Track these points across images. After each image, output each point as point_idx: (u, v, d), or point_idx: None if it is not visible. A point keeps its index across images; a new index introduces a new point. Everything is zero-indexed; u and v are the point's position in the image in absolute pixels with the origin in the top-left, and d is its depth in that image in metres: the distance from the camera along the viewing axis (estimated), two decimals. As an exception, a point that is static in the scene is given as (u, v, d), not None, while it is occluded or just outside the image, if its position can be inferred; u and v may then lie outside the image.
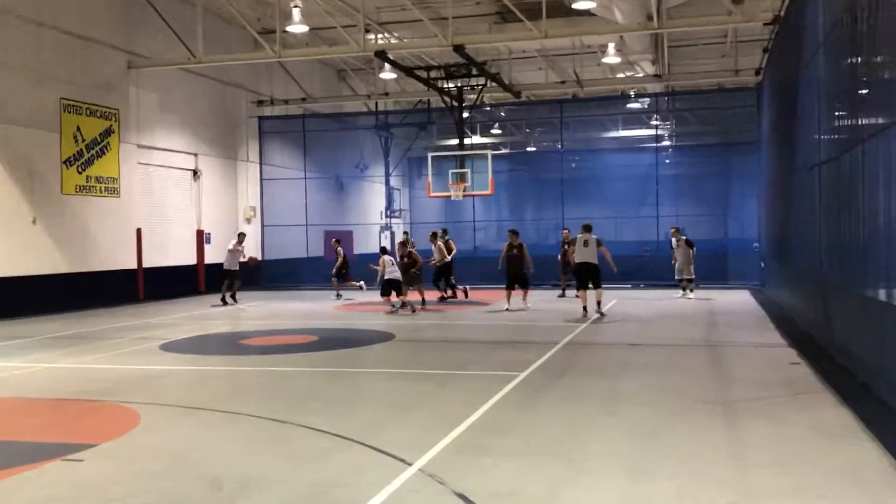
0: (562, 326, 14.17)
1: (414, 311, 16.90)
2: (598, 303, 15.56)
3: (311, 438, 6.70)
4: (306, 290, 21.64)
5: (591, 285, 15.37)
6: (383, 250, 18.16)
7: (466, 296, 19.39)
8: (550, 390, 8.48)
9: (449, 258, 19.47)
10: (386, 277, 17.49)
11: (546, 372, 9.59)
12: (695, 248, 19.14)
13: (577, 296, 16.69)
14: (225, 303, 19.12)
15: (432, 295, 19.25)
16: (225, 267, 19.33)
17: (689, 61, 27.84)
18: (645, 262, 23.26)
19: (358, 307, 18.61)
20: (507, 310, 16.86)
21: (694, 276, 19.04)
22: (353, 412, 7.61)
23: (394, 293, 17.25)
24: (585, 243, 15.38)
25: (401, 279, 17.18)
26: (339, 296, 20.51)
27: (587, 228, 15.61)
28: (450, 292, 19.31)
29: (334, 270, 20.53)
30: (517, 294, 17.39)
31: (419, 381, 9.19)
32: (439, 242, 19.40)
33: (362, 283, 20.65)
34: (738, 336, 12.64)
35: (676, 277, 19.06)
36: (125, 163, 20.39)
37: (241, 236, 19.72)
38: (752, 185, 24.66)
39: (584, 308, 15.44)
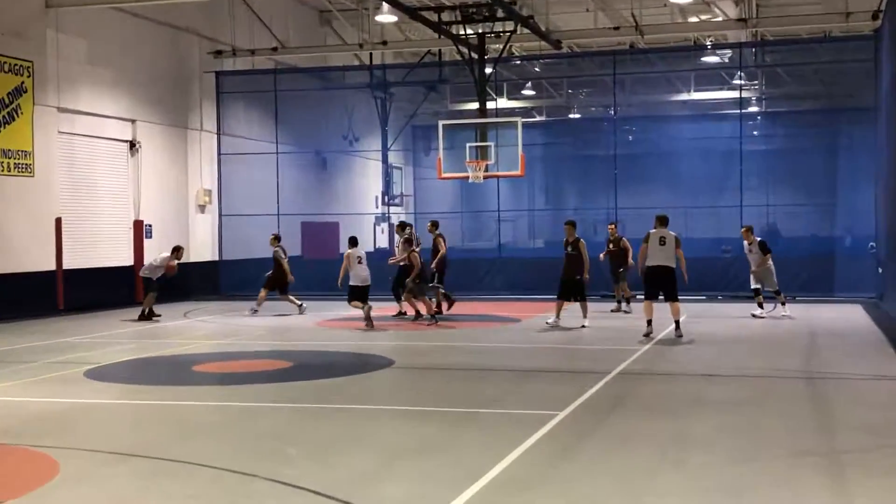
0: (614, 351, 14.16)
1: (433, 319, 17.55)
2: (677, 322, 15.43)
3: (286, 497, 6.72)
4: (277, 300, 21.68)
5: (662, 296, 15.38)
6: (352, 241, 18.13)
7: (450, 307, 19.39)
8: (597, 435, 8.49)
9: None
10: (350, 283, 17.51)
11: (592, 410, 9.60)
12: (770, 255, 18.93)
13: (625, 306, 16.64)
14: (147, 318, 19.14)
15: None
16: (145, 275, 19.36)
17: (784, 1, 27.74)
18: (724, 266, 23.22)
19: (345, 323, 18.64)
20: (552, 325, 16.93)
21: (778, 288, 18.97)
22: (339, 462, 7.63)
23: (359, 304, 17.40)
24: (662, 241, 15.23)
25: (366, 286, 17.44)
26: (254, 311, 20.22)
27: (663, 221, 15.49)
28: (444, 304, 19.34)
29: (266, 279, 20.38)
30: (566, 307, 17.42)
31: (426, 421, 9.20)
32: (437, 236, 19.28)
33: (303, 304, 20.43)
34: (846, 365, 12.61)
35: (752, 287, 19.02)
36: (41, 132, 20.52)
37: (178, 252, 19.47)
38: (867, 164, 24.55)
39: (649, 323, 15.44)
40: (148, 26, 23.74)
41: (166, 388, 11.55)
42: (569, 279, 17.05)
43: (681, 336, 15.20)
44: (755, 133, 34.47)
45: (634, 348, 14.14)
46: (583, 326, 16.87)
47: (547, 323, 17.22)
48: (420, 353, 14.51)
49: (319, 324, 18.62)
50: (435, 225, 19.59)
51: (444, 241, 19.26)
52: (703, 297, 22.28)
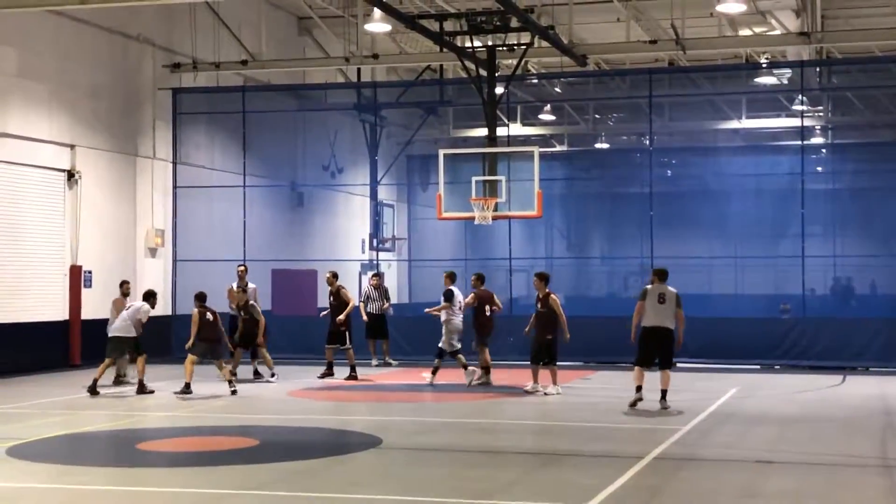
0: (649, 430, 14.09)
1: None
2: (664, 392, 15.88)
3: None
4: (243, 362, 21.60)
5: (657, 362, 15.98)
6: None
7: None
8: (630, 534, 8.43)
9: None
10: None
11: (623, 504, 9.52)
12: None
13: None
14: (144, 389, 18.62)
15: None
16: (127, 333, 18.64)
17: (854, 11, 27.95)
18: (783, 329, 23.17)
19: (321, 393, 18.56)
20: (531, 391, 17.46)
21: None
22: (314, 564, 7.56)
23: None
24: (661, 298, 15.84)
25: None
26: (233, 376, 19.40)
27: (662, 276, 16.16)
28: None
29: (237, 334, 20.29)
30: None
31: (420, 514, 9.14)
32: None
33: (275, 373, 20.30)
34: (932, 451, 12.55)
35: None
36: (-38, 158, 20.56)
37: (153, 300, 19.08)
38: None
39: (639, 389, 15.92)
40: (92, 34, 23.87)
41: (106, 471, 11.45)
42: (541, 340, 17.86)
43: (667, 408, 15.67)
44: (819, 169, 34.56)
45: (674, 428, 14.06)
46: (545, 394, 17.73)
47: (524, 390, 17.95)
48: (412, 431, 14.42)
49: (291, 393, 18.55)
50: (451, 278, 20.07)
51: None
52: (757, 367, 22.20)
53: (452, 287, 19.76)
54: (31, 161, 22.43)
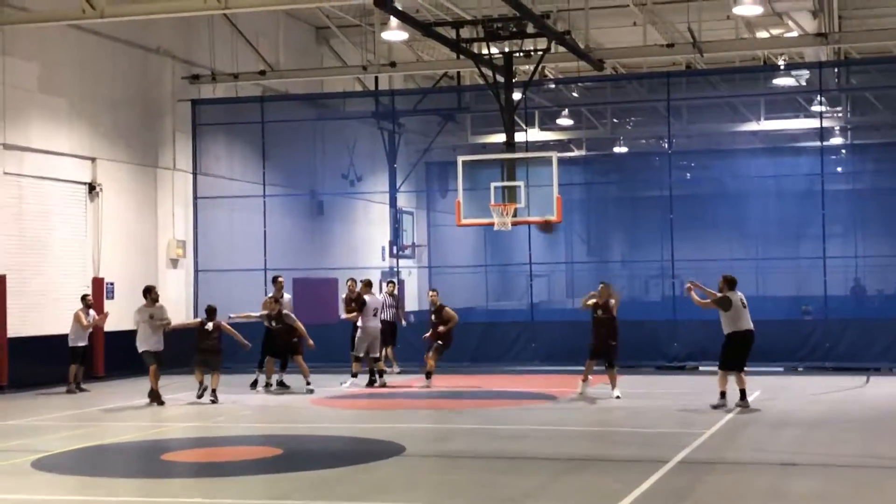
0: (673, 434, 14.04)
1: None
2: (744, 392, 16.37)
3: None
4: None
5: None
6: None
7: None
8: (656, 539, 8.40)
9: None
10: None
11: (649, 509, 9.52)
12: None
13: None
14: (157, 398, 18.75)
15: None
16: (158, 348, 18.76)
17: (871, 11, 27.84)
18: (805, 330, 23.07)
19: (345, 402, 18.57)
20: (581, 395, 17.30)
21: None
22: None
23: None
24: (744, 302, 16.79)
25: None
26: (268, 385, 20.33)
27: (733, 283, 16.88)
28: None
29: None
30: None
31: (445, 522, 9.12)
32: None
33: (310, 382, 20.25)
34: (958, 452, 12.50)
35: None
36: (-16, 172, 20.68)
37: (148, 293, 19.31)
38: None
39: (723, 395, 16.52)
40: (112, 47, 23.96)
41: (130, 482, 11.49)
42: (604, 344, 18.24)
43: (748, 406, 16.30)
44: (839, 170, 34.42)
45: (698, 431, 14.01)
46: (617, 397, 17.91)
47: (575, 394, 18.21)
48: (436, 438, 14.42)
49: (314, 402, 18.56)
50: (368, 285, 20.90)
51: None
52: (780, 369, 22.11)
53: (366, 296, 20.46)
54: (53, 174, 22.52)
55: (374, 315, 20.31)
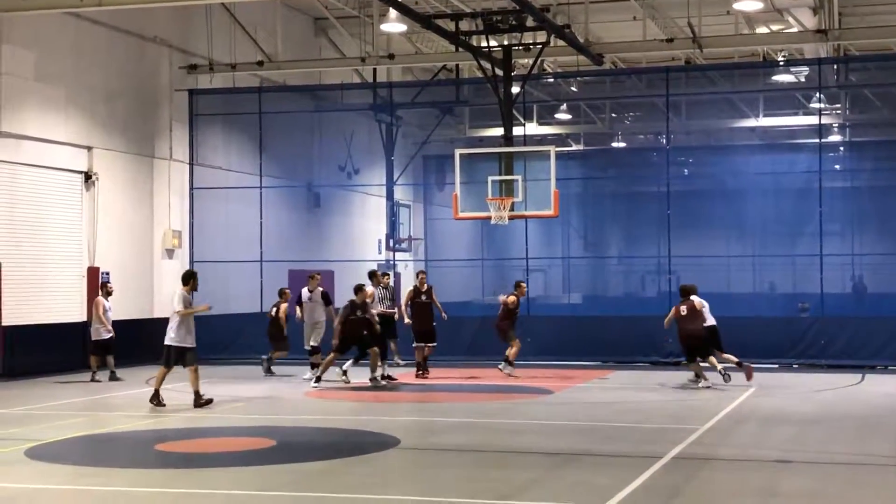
0: (668, 430, 14.06)
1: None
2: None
3: None
4: (259, 364, 21.67)
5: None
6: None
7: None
8: (649, 535, 8.41)
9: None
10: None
11: (642, 504, 9.51)
12: None
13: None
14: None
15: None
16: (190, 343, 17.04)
17: (871, 8, 27.84)
18: (801, 328, 23.11)
19: (338, 394, 18.58)
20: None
21: None
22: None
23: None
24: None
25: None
26: (268, 370, 21.61)
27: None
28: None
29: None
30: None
31: (437, 515, 9.14)
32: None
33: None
34: (952, 451, 12.52)
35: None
36: (-20, 160, 20.67)
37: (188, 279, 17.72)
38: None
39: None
40: (109, 36, 23.93)
41: (123, 472, 11.48)
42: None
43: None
44: (837, 167, 34.41)
45: (692, 427, 14.03)
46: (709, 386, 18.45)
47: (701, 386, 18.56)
48: (431, 431, 14.44)
49: (308, 394, 18.58)
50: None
51: None
52: (776, 366, 22.13)
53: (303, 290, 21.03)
54: (49, 163, 22.51)
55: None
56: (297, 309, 21.08)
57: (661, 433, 13.82)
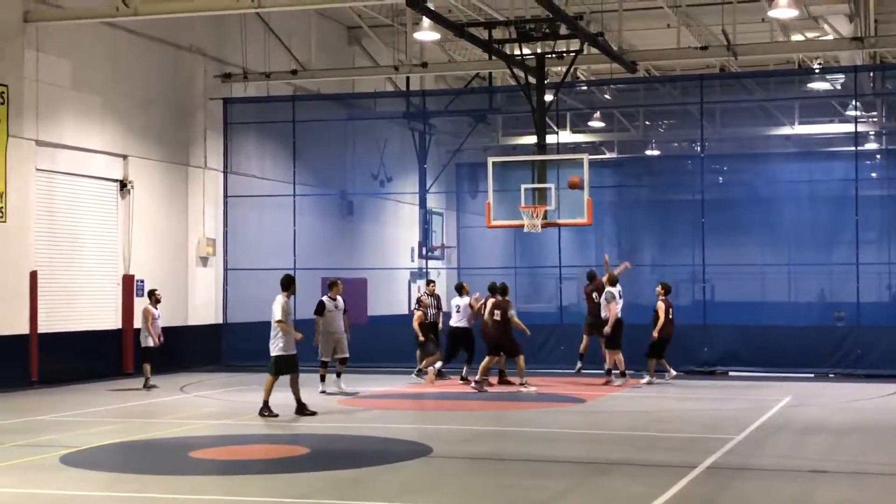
0: (701, 439, 14.02)
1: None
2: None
3: None
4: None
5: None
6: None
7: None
8: (683, 545, 8.38)
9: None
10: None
11: (675, 514, 9.52)
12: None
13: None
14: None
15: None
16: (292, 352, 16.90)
17: (909, 15, 27.68)
18: (837, 337, 22.95)
19: (371, 402, 18.60)
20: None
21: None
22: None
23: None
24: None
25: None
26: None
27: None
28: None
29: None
30: None
31: (470, 523, 9.14)
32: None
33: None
34: None
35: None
36: (15, 168, 20.81)
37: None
38: None
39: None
40: (144, 45, 24.10)
41: (157, 479, 11.54)
42: None
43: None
44: (874, 175, 34.17)
45: (727, 436, 13.95)
46: None
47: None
48: (464, 439, 14.43)
49: (341, 402, 18.59)
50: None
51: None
52: (811, 375, 21.97)
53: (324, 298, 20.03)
54: (85, 171, 22.68)
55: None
56: (316, 320, 19.46)
57: (696, 442, 13.76)
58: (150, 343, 20.55)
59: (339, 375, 19.60)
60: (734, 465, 12.01)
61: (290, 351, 16.44)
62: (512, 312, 19.94)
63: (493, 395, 19.46)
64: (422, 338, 21.51)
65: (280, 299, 16.58)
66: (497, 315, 19.71)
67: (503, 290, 20.26)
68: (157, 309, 20.76)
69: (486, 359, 19.78)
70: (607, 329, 20.23)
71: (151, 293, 21.22)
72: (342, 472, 11.78)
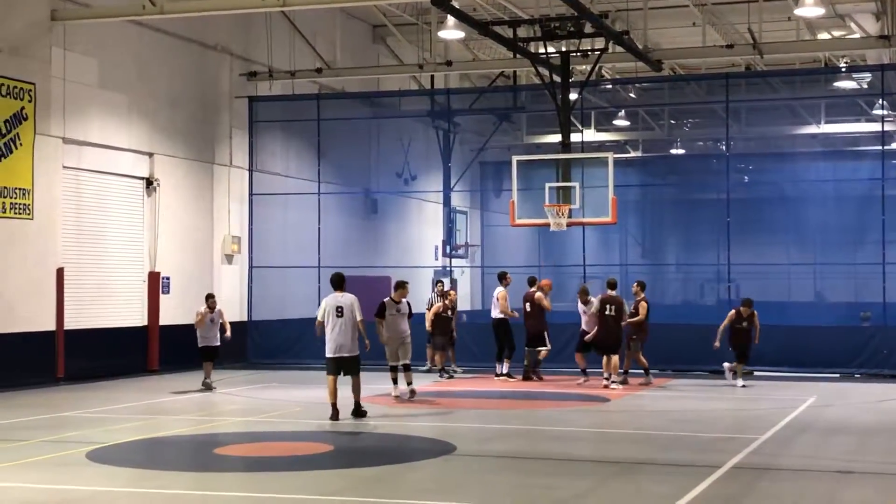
0: (726, 439, 13.97)
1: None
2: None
3: None
4: (317, 369, 21.73)
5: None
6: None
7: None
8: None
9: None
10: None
11: (699, 514, 9.47)
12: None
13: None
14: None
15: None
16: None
17: (936, 14, 27.46)
18: (864, 337, 22.85)
19: (394, 401, 18.62)
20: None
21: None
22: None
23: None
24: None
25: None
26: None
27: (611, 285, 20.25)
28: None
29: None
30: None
31: (493, 522, 9.14)
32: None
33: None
34: None
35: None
36: (43, 166, 20.94)
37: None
38: None
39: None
40: (170, 43, 24.21)
41: (183, 475, 11.59)
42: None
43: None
44: (900, 175, 34.02)
45: (752, 436, 13.91)
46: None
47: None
48: (487, 438, 14.44)
49: (364, 400, 18.55)
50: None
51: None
52: (837, 375, 21.89)
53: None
54: (111, 169, 22.80)
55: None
56: (379, 323, 18.03)
57: (721, 442, 13.71)
58: (214, 343, 20.11)
59: (409, 383, 18.30)
60: (759, 466, 11.96)
61: (355, 352, 15.96)
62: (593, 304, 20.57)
63: (518, 392, 19.45)
64: (429, 328, 22.29)
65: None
66: (611, 310, 20.05)
67: (612, 285, 21.01)
68: (213, 312, 20.05)
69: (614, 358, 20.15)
70: (590, 337, 20.45)
71: (209, 297, 20.33)
72: (365, 470, 11.81)
